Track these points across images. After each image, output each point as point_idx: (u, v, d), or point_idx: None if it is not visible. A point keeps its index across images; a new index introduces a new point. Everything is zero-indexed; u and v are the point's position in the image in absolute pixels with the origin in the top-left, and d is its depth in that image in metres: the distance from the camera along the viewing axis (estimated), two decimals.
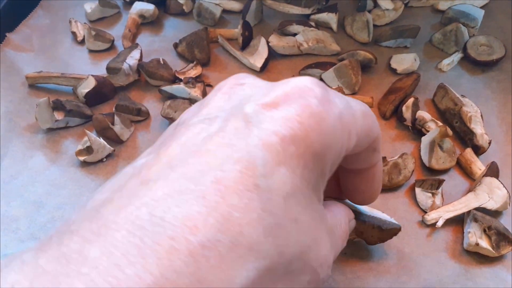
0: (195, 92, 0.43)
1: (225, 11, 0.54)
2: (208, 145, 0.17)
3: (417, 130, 0.42)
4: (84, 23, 0.51)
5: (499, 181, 0.36)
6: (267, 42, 0.49)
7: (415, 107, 0.43)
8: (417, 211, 0.37)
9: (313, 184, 0.19)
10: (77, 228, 0.16)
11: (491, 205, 0.36)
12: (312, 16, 0.53)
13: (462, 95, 0.44)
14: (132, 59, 0.46)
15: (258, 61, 0.48)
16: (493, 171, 0.38)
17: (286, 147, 0.17)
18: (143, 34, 0.53)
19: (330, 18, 0.52)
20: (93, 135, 0.39)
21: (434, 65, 0.49)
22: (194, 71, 0.47)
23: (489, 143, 0.40)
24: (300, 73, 0.48)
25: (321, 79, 0.46)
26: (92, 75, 0.44)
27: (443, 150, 0.40)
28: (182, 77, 0.46)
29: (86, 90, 0.44)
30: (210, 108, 0.20)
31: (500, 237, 0.33)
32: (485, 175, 0.37)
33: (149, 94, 0.46)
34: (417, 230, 0.36)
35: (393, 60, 0.48)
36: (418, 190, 0.38)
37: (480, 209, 0.36)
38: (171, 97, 0.44)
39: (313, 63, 0.47)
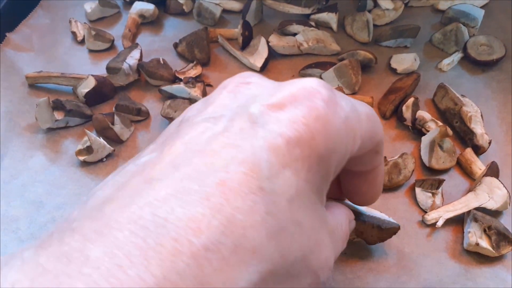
0: (195, 92, 0.43)
1: (225, 11, 0.54)
2: (213, 145, 0.17)
3: (417, 130, 0.42)
4: (84, 23, 0.51)
5: (499, 181, 0.36)
6: (267, 42, 0.49)
7: (415, 107, 0.43)
8: (417, 211, 0.37)
9: (317, 187, 0.19)
10: (79, 226, 0.15)
11: (491, 205, 0.36)
12: (312, 16, 0.53)
13: (462, 95, 0.44)
14: (132, 59, 0.46)
15: (258, 61, 0.48)
16: (493, 171, 0.38)
17: (291, 150, 0.17)
18: (143, 34, 0.53)
19: (330, 18, 0.52)
20: (93, 135, 0.39)
21: (434, 65, 0.49)
22: (194, 71, 0.47)
23: (489, 143, 0.40)
24: (300, 73, 0.47)
25: (321, 79, 0.46)
26: (92, 75, 0.44)
27: (443, 150, 0.40)
28: (182, 77, 0.46)
29: (86, 90, 0.43)
30: (215, 106, 0.20)
31: (500, 237, 0.33)
32: (485, 175, 0.37)
33: (149, 94, 0.46)
34: (417, 230, 0.36)
35: (393, 60, 0.48)
36: (418, 190, 0.38)
37: (480, 209, 0.36)
38: (171, 97, 0.44)
39: (313, 63, 0.47)
